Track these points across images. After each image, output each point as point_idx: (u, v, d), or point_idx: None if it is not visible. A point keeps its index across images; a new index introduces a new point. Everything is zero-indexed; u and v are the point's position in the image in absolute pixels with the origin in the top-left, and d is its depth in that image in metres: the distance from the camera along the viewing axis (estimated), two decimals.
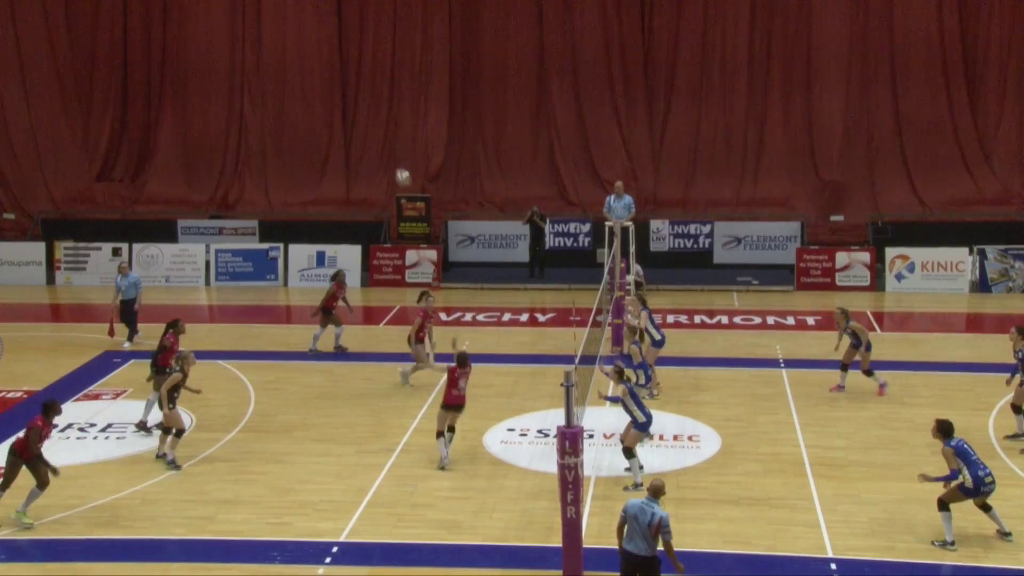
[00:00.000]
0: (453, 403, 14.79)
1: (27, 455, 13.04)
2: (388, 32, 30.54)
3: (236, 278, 27.48)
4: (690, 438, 15.92)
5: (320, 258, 27.37)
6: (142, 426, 16.21)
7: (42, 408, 13.40)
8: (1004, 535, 12.54)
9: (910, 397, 17.64)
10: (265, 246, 27.83)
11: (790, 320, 23.28)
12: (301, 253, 27.49)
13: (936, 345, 20.98)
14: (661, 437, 15.91)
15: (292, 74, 30.76)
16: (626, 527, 10.78)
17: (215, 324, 24.74)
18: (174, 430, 14.90)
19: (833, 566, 12.04)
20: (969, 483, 12.27)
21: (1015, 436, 15.64)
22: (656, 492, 10.91)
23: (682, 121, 29.83)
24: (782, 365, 19.37)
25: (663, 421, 16.51)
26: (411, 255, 27.32)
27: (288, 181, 30.71)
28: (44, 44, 30.86)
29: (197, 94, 30.99)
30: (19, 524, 13.04)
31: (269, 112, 30.93)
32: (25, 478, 13.18)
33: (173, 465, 14.80)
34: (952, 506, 12.39)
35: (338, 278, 20.53)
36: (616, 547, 10.97)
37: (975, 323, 23.81)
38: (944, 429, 12.56)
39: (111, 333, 20.82)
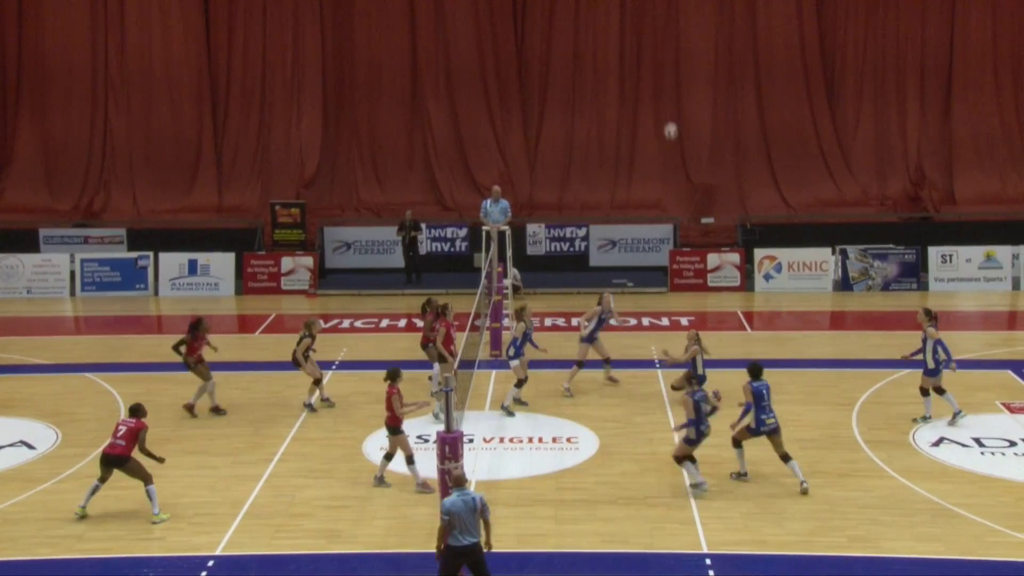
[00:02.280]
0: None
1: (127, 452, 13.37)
2: (258, 35, 30.05)
3: (103, 288, 26.62)
4: (568, 440, 16.08)
5: (192, 266, 26.74)
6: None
7: (133, 410, 13.65)
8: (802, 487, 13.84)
9: (778, 394, 18.02)
10: (134, 255, 27.04)
11: (664, 321, 23.74)
12: (172, 261, 26.80)
13: (802, 343, 21.66)
14: (540, 439, 16.03)
15: (158, 78, 29.97)
16: (452, 526, 10.77)
17: (81, 336, 23.93)
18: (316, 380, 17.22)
19: (708, 561, 12.32)
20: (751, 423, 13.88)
21: (953, 418, 16.14)
22: (460, 482, 11.02)
23: (556, 125, 30.14)
24: (657, 366, 19.72)
25: (541, 423, 16.64)
26: (286, 262, 26.92)
27: (157, 188, 29.90)
28: None
29: (57, 99, 29.93)
30: (159, 522, 13.14)
31: (135, 117, 30.07)
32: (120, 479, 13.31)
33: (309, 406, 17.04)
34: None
35: (201, 327, 17.48)
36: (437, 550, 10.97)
37: (838, 321, 24.69)
38: (752, 371, 14.04)
39: None
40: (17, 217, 29.02)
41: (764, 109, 30.01)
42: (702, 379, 16.32)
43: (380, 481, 14.28)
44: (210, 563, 12.31)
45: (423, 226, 27.58)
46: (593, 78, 30.06)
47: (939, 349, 16.16)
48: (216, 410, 17.23)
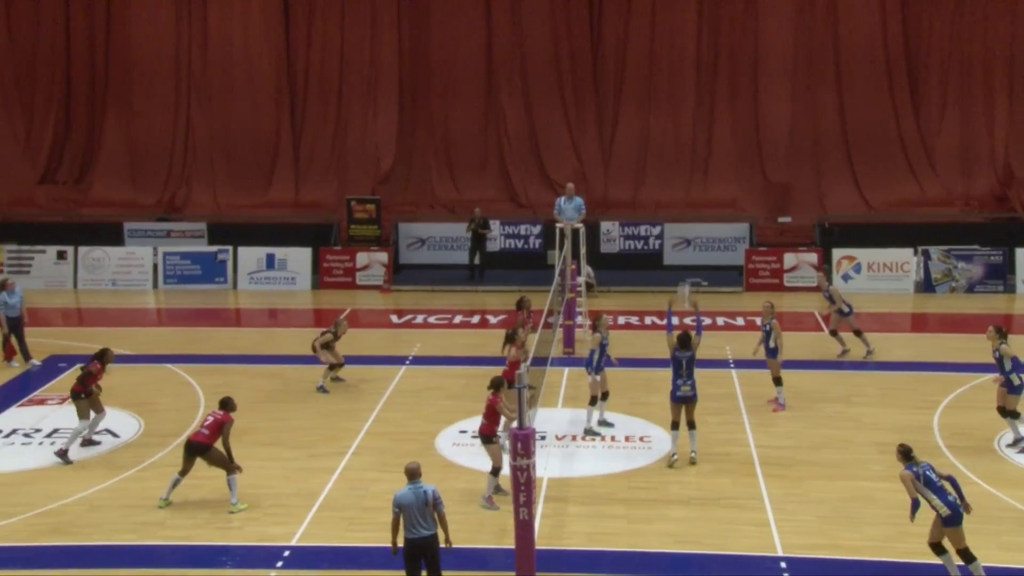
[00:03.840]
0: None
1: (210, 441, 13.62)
2: (336, 33, 30.40)
3: (184, 281, 27.20)
4: (641, 439, 16.03)
5: (270, 260, 27.18)
6: (62, 455, 15.13)
7: (223, 403, 13.88)
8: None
9: (856, 396, 17.91)
10: (214, 248, 27.58)
11: (739, 321, 23.52)
12: (250, 256, 27.27)
13: (881, 345, 21.30)
14: (612, 438, 16.00)
15: (239, 75, 30.50)
16: (402, 519, 10.86)
17: (163, 328, 24.50)
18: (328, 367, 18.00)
19: (783, 564, 12.20)
20: (945, 512, 11.39)
21: (1015, 443, 15.31)
22: (413, 474, 11.06)
23: (631, 123, 30.01)
24: (732, 366, 19.57)
25: (614, 422, 16.60)
26: (362, 257, 27.22)
27: (237, 183, 30.45)
28: None
29: (142, 95, 30.61)
30: (236, 511, 13.44)
31: (216, 113, 30.64)
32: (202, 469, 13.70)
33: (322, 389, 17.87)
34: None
35: (106, 358, 15.99)
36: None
37: (919, 323, 24.23)
38: (904, 452, 11.86)
39: (8, 357, 19.68)
40: (103, 211, 29.78)
41: (844, 106, 29.53)
42: (774, 353, 16.91)
43: (489, 501, 13.70)
44: (286, 553, 12.54)
45: (491, 223, 27.63)
46: (669, 74, 29.87)
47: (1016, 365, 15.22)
48: (63, 454, 15.18)
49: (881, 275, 26.16)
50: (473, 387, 18.48)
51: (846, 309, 19.85)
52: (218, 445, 13.70)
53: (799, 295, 25.89)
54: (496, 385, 14.04)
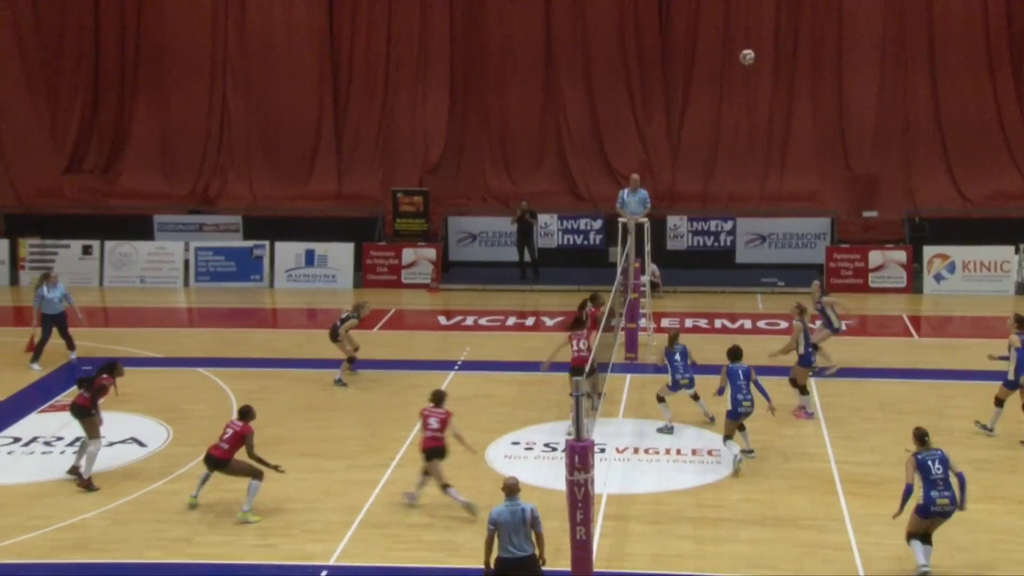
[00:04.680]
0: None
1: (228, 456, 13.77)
2: (384, 13, 30.54)
3: (217, 278, 27.47)
4: (710, 452, 15.85)
5: (309, 257, 27.36)
6: (74, 471, 14.92)
7: (242, 413, 14.01)
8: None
9: (949, 408, 17.58)
10: (249, 244, 27.82)
11: (818, 324, 23.15)
12: (288, 252, 27.47)
13: (978, 352, 20.84)
14: (679, 452, 15.85)
15: (279, 58, 30.76)
16: (498, 537, 10.91)
17: (195, 328, 24.75)
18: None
19: None
20: (919, 500, 12.04)
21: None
22: (511, 491, 11.10)
23: (702, 110, 29.81)
24: (811, 374, 19.26)
25: (680, 434, 16.45)
26: (408, 254, 27.30)
27: (275, 174, 30.71)
28: (7, 25, 30.85)
29: (175, 80, 30.99)
30: (244, 522, 13.60)
31: (254, 100, 30.93)
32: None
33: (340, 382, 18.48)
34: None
35: (116, 371, 15.51)
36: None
37: None
38: (919, 436, 12.33)
39: (30, 348, 19.97)
40: (132, 203, 30.20)
41: (938, 92, 29.10)
42: (807, 360, 17.05)
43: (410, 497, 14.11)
44: (323, 573, 12.56)
45: (549, 217, 27.56)
46: None
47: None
48: (88, 485, 14.78)
49: (977, 275, 25.71)
50: (527, 394, 18.44)
51: (838, 325, 19.24)
52: (240, 456, 13.75)
53: (886, 296, 25.52)
54: (437, 399, 14.15)
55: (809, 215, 28.22)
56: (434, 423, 13.91)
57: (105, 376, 15.29)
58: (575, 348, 16.61)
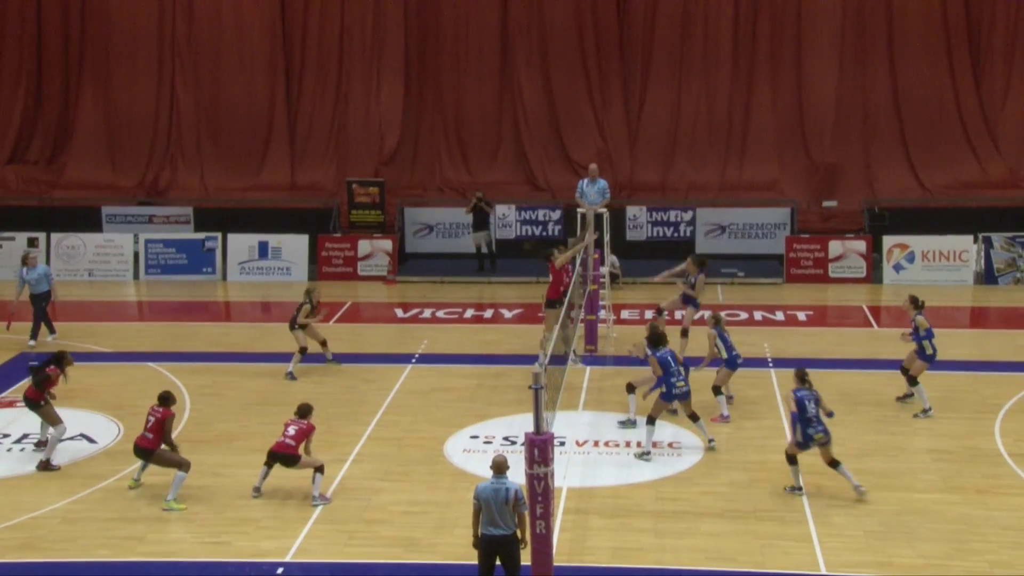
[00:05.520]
0: (273, 449, 14.21)
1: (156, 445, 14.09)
2: (337, 0, 30.37)
3: (168, 271, 27.28)
4: (670, 445, 15.98)
5: (263, 249, 27.23)
6: (46, 466, 15.21)
7: (163, 399, 14.29)
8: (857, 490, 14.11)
9: (909, 399, 17.79)
10: (201, 236, 27.64)
11: (779, 315, 23.43)
12: (241, 244, 27.32)
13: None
14: (639, 444, 15.95)
15: (229, 46, 30.55)
16: (482, 513, 11.28)
17: (145, 322, 24.56)
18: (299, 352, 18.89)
19: None
20: (798, 437, 13.93)
21: (905, 397, 17.32)
22: (499, 468, 11.39)
23: (661, 99, 29.93)
24: (770, 365, 19.49)
25: (640, 427, 16.54)
26: (364, 245, 27.24)
27: (226, 164, 30.52)
28: None
29: (122, 67, 30.71)
30: (169, 509, 13.83)
31: (204, 88, 30.71)
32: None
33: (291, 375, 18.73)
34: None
35: (64, 362, 15.71)
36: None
37: (980, 318, 24.08)
38: (799, 376, 14.18)
39: (8, 327, 20.70)
40: (79, 194, 29.89)
41: (897, 80, 29.39)
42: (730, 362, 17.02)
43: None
44: (279, 570, 12.55)
45: (507, 208, 27.57)
46: (703, 45, 29.76)
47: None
48: (46, 465, 15.25)
49: (937, 265, 26.02)
50: (486, 388, 18.49)
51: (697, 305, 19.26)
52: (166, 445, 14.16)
53: (846, 287, 25.78)
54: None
55: (769, 205, 28.45)
56: (291, 431, 14.12)
57: (52, 367, 15.48)
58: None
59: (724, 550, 12.86)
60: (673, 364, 15.46)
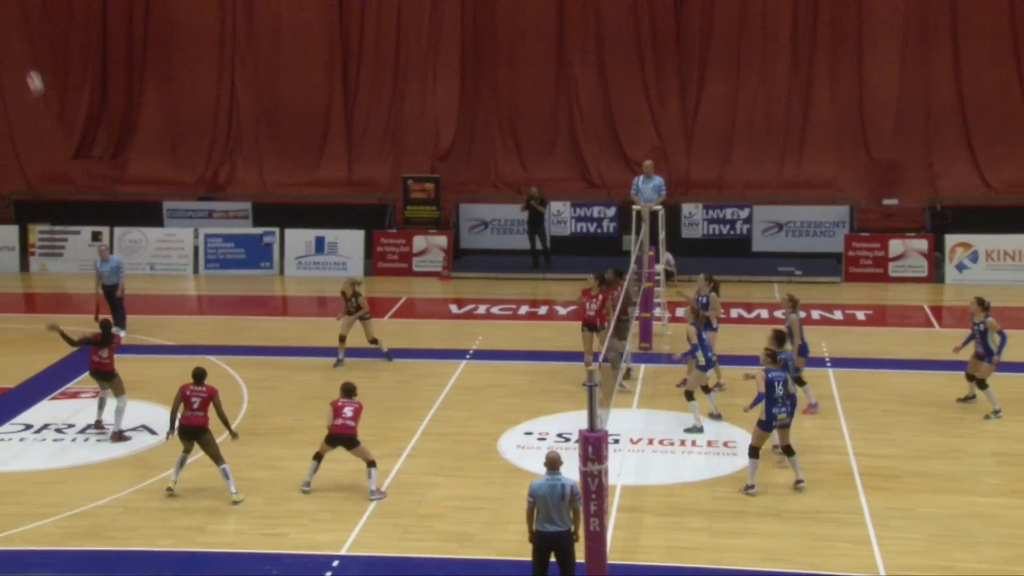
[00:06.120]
0: (336, 432, 14.29)
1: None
2: None
3: (227, 266, 27.59)
4: (725, 444, 15.90)
5: (319, 244, 27.45)
6: (119, 437, 16.14)
7: (198, 376, 14.48)
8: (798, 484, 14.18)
9: (971, 401, 17.55)
10: (259, 231, 27.93)
11: (837, 315, 23.22)
12: (298, 239, 27.57)
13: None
14: (694, 443, 15.89)
15: (288, 42, 30.78)
16: (536, 510, 11.23)
17: (204, 316, 24.87)
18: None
19: None
20: (761, 417, 14.07)
21: (966, 399, 17.12)
22: (553, 464, 11.33)
23: (718, 95, 29.72)
24: (828, 364, 19.33)
25: (704, 430, 16.49)
26: (419, 241, 27.37)
27: (284, 160, 30.79)
28: (15, 10, 30.97)
29: (184, 64, 31.07)
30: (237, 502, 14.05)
31: (263, 84, 30.99)
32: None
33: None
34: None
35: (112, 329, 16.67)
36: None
37: None
38: (769, 354, 14.30)
39: (97, 318, 20.58)
40: (141, 188, 30.33)
41: (962, 75, 28.94)
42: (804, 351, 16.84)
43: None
44: (335, 563, 12.66)
45: (561, 205, 27.55)
46: (761, 41, 29.50)
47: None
48: (120, 436, 16.21)
49: (1002, 264, 25.68)
50: (540, 384, 18.51)
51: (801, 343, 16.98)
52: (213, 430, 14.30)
53: (906, 286, 25.48)
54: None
55: (827, 203, 28.19)
56: (348, 412, 14.26)
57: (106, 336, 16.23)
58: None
59: (780, 551, 12.78)
60: (780, 390, 14.13)
